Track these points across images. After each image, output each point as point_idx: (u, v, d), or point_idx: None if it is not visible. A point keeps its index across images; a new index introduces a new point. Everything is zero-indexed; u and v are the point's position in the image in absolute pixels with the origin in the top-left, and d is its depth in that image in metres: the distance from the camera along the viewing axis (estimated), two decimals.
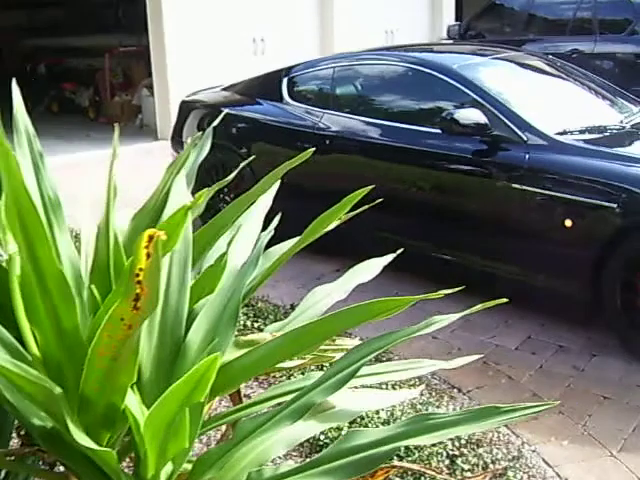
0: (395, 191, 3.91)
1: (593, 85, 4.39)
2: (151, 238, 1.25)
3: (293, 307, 3.76)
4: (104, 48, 9.20)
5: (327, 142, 4.16)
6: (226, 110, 4.66)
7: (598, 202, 3.19)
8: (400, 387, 2.85)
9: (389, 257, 2.36)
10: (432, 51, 4.72)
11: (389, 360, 3.22)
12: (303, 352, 1.79)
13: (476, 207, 3.63)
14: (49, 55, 10.16)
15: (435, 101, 3.97)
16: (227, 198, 4.63)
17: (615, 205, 3.15)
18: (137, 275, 1.27)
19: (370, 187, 1.93)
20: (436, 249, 3.84)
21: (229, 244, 2.06)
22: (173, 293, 1.78)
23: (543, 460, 2.61)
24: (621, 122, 3.76)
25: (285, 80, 4.56)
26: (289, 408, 1.63)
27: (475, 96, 3.67)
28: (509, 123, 3.53)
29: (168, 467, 1.58)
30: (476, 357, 2.91)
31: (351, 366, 1.61)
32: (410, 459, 2.46)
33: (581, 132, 3.58)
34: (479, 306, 1.74)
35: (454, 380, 3.14)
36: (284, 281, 4.15)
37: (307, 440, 2.52)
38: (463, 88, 3.75)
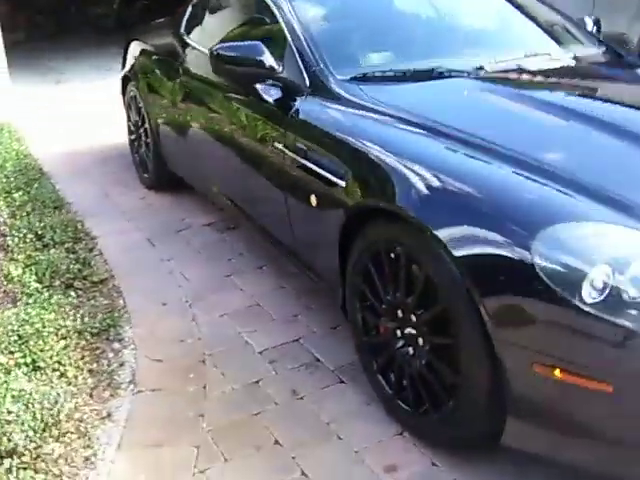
0: (202, 129, 3.16)
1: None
2: None
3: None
4: None
5: (180, 72, 3.39)
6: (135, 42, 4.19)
7: (331, 177, 2.15)
8: None
9: None
10: None
11: None
12: None
13: (251, 165, 2.70)
14: None
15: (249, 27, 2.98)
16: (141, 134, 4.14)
17: (343, 183, 2.10)
18: None
19: None
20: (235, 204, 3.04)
21: None
22: None
23: None
24: (480, 67, 2.42)
25: (189, 9, 3.82)
26: None
27: (284, 27, 2.66)
28: (300, 63, 2.50)
29: None
30: None
31: None
32: None
33: (396, 79, 2.40)
34: None
35: None
36: (141, 230, 3.58)
37: None
38: (277, 13, 2.72)
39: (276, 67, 2.50)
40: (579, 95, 2.36)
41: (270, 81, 2.57)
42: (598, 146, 1.98)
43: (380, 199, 1.94)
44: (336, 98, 2.30)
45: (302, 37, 2.53)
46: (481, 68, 2.46)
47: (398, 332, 2.01)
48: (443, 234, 1.73)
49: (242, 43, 2.57)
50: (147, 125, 3.84)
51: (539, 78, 2.42)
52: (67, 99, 6.55)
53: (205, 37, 3.35)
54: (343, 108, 2.25)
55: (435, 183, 1.81)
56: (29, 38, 9.92)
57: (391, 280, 1.97)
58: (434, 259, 1.78)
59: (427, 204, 1.79)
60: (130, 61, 4.09)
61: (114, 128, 5.25)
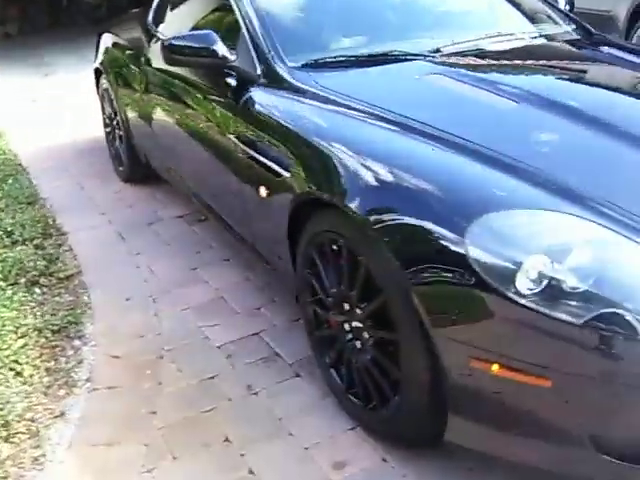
0: (169, 122, 3.07)
1: None
2: None
3: None
4: None
5: (147, 64, 3.31)
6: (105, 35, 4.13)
7: (276, 168, 2.09)
8: None
9: None
10: None
11: None
12: None
13: (210, 157, 2.62)
14: None
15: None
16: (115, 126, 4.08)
17: (288, 174, 2.03)
18: None
19: None
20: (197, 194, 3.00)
21: None
22: None
23: None
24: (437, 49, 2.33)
25: (156, 1, 3.74)
26: None
27: (238, 14, 2.56)
28: (252, 51, 2.41)
29: None
30: None
31: None
32: None
33: (348, 64, 2.29)
34: None
35: None
36: (113, 224, 3.51)
37: None
38: (232, 1, 2.63)
39: (229, 56, 2.42)
40: (535, 76, 2.27)
41: (225, 71, 2.50)
42: (549, 129, 1.89)
43: (319, 189, 1.87)
44: (285, 86, 2.22)
45: (255, 24, 2.44)
46: (438, 50, 2.38)
47: (346, 325, 1.96)
48: (379, 225, 1.66)
49: (193, 33, 2.50)
50: (119, 118, 3.78)
51: (495, 59, 2.33)
52: (54, 91, 6.48)
53: (170, 28, 3.28)
54: (289, 96, 2.17)
55: (371, 172, 1.73)
56: (21, 30, 9.86)
57: (335, 272, 1.91)
58: (372, 251, 1.71)
59: (363, 193, 1.72)
60: (101, 53, 4.02)
61: (97, 120, 5.20)
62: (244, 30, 2.48)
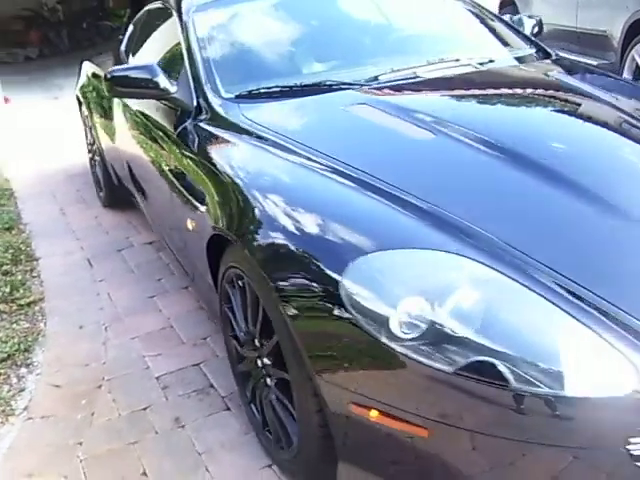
0: (124, 147, 3.13)
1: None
2: None
3: None
4: None
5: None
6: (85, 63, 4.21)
7: (194, 201, 2.08)
8: None
9: None
10: None
11: None
12: None
13: (155, 191, 2.64)
14: None
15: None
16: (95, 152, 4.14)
17: (203, 208, 2.02)
18: None
19: None
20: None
21: None
22: None
23: None
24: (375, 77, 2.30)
25: (130, 28, 3.79)
26: None
27: (183, 45, 2.58)
28: (191, 82, 2.41)
29: None
30: None
31: None
32: None
33: (280, 94, 2.27)
34: None
35: None
36: (84, 250, 3.56)
37: None
38: (180, 32, 2.64)
39: (170, 88, 2.43)
40: (462, 105, 2.21)
41: (167, 103, 2.52)
42: (458, 163, 1.84)
43: (227, 225, 1.85)
44: (214, 118, 2.22)
45: (196, 54, 2.46)
46: (376, 78, 2.35)
47: (258, 362, 1.93)
48: (265, 262, 1.64)
49: (136, 65, 2.53)
50: (96, 144, 3.84)
51: (428, 89, 2.28)
52: (59, 115, 6.62)
53: (137, 57, 3.33)
54: (214, 128, 2.17)
55: (268, 208, 1.71)
56: (42, 53, 10.17)
57: (242, 309, 1.89)
58: (264, 289, 1.69)
59: (258, 230, 1.70)
60: (80, 82, 4.11)
61: None
62: (186, 61, 2.50)
